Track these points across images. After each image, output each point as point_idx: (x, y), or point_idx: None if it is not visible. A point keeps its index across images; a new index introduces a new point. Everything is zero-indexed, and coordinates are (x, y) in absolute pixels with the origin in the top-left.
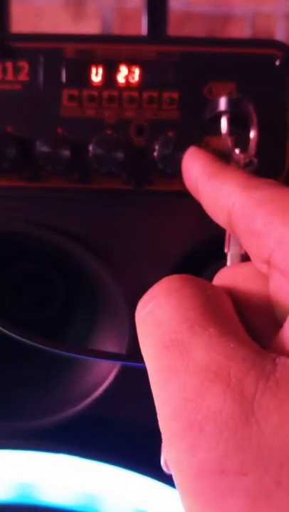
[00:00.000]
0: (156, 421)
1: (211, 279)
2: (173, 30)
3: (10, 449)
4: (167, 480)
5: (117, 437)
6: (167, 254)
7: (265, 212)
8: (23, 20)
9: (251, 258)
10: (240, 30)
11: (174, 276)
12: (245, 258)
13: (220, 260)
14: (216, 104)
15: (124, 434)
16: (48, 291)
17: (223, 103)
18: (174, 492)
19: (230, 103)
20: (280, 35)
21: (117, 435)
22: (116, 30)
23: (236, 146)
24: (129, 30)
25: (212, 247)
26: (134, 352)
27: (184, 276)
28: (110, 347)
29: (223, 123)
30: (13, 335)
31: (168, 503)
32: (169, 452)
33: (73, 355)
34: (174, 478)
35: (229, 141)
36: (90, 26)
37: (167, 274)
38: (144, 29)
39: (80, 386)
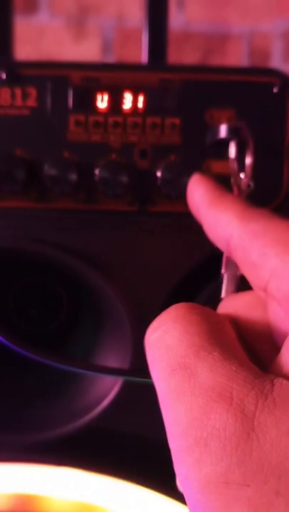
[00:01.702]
0: (158, 434)
1: (212, 296)
2: (172, 49)
3: (14, 462)
4: (171, 493)
5: (120, 451)
6: (169, 272)
7: (260, 245)
8: (25, 40)
9: (251, 285)
10: (238, 49)
11: (181, 305)
12: (241, 280)
13: (220, 278)
14: (216, 131)
15: (128, 448)
16: (51, 305)
17: (223, 130)
18: (178, 505)
19: (230, 130)
20: (276, 54)
21: (120, 448)
22: (116, 48)
23: (239, 171)
24: (130, 49)
25: (212, 265)
26: (137, 367)
27: (189, 304)
28: (113, 362)
29: (232, 148)
30: (21, 350)
31: None
32: (178, 468)
33: (78, 370)
34: (184, 493)
35: (235, 166)
36: (91, 45)
37: (169, 291)
38: (144, 48)
39: (84, 400)
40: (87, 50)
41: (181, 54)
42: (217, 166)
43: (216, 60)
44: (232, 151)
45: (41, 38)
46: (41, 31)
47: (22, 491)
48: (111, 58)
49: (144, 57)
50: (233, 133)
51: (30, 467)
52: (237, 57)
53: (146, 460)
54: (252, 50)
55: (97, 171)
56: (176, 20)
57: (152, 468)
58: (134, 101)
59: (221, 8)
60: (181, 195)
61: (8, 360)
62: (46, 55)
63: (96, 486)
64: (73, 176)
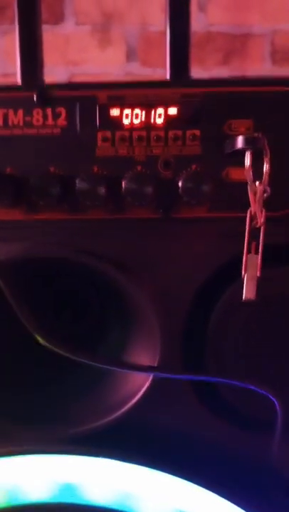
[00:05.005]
0: (188, 426)
1: (235, 297)
2: (194, 50)
3: (56, 454)
4: (199, 480)
5: (153, 441)
6: (193, 274)
7: None
8: (52, 48)
9: None
10: (260, 49)
11: None
12: (261, 280)
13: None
14: (234, 142)
15: (159, 439)
16: (83, 309)
17: (240, 141)
18: (208, 493)
19: (247, 141)
20: None
21: (152, 440)
22: (140, 53)
23: (255, 178)
24: (154, 53)
25: (234, 267)
26: (165, 363)
27: None
28: (143, 358)
29: (247, 159)
30: (61, 351)
31: (203, 503)
32: None
33: (114, 367)
34: None
35: (251, 175)
36: (116, 52)
37: (194, 292)
38: (167, 52)
39: (118, 395)
40: (112, 57)
41: (203, 55)
42: (236, 174)
43: (238, 61)
44: (247, 160)
45: (68, 45)
46: (67, 39)
47: (63, 479)
48: (135, 64)
49: (167, 60)
50: (249, 143)
51: (71, 458)
52: (259, 56)
53: (177, 450)
54: (274, 49)
55: (124, 183)
56: (198, 22)
57: (183, 458)
58: (157, 116)
59: (242, 9)
60: (202, 203)
61: (51, 361)
62: (73, 63)
63: (131, 475)
64: (102, 190)
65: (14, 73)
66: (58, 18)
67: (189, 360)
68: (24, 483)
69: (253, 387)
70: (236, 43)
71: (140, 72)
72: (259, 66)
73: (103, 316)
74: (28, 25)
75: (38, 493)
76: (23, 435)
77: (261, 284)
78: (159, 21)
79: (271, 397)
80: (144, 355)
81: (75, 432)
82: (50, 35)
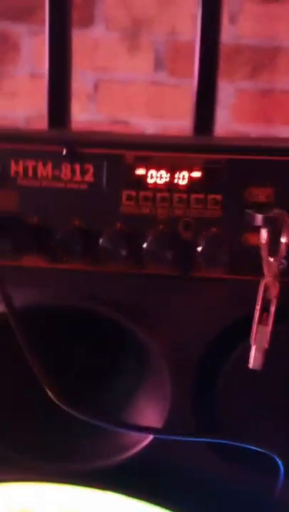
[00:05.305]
0: (191, 467)
1: (243, 356)
2: (223, 63)
3: (68, 485)
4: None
5: (157, 480)
6: (208, 329)
7: None
8: (80, 53)
9: None
10: None
11: None
12: (269, 352)
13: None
14: (253, 219)
15: (164, 478)
16: (98, 353)
17: (258, 219)
18: None
19: (265, 221)
20: None
21: (157, 478)
22: (168, 63)
23: (270, 250)
24: (182, 63)
25: (245, 326)
26: (169, 425)
27: None
28: (151, 411)
29: (263, 236)
30: (71, 411)
31: None
32: None
33: (121, 429)
34: None
35: (266, 252)
36: (144, 59)
37: (208, 347)
38: (196, 62)
39: (128, 437)
40: (140, 64)
41: (231, 69)
42: (255, 239)
43: (267, 74)
44: (264, 237)
45: (96, 51)
46: (96, 45)
47: (72, 508)
48: (163, 73)
49: (195, 71)
50: (268, 222)
51: (81, 489)
52: (288, 70)
53: (180, 489)
54: None
55: (145, 245)
56: (228, 34)
57: (186, 496)
58: (181, 179)
59: (272, 21)
60: (220, 264)
61: None
62: (101, 69)
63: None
64: (124, 246)
65: (42, 73)
66: (88, 22)
67: (199, 413)
68: (31, 507)
69: (260, 449)
70: (265, 56)
71: (167, 81)
72: (287, 80)
73: (113, 362)
74: (58, 27)
75: None
76: (32, 466)
77: (272, 338)
78: (188, 30)
79: (277, 459)
80: (152, 407)
81: (87, 468)
82: (78, 40)
